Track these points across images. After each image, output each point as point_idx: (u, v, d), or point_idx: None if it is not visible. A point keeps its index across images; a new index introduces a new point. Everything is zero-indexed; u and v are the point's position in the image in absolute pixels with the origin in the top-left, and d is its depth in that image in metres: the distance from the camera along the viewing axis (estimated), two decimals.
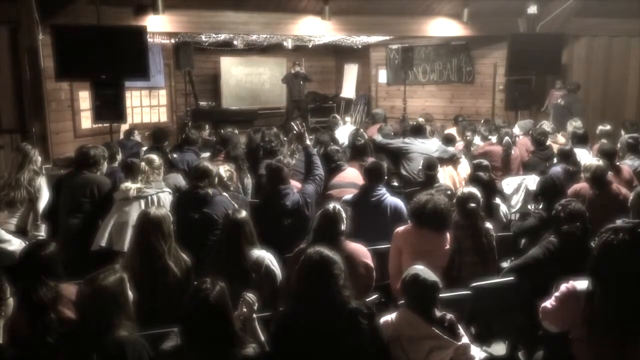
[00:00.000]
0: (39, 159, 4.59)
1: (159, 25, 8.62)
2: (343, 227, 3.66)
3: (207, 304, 2.50)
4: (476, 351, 3.92)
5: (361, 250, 3.75)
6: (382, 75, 13.23)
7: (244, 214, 3.62)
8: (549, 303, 2.89)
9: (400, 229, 4.12)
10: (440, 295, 3.16)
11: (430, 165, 5.47)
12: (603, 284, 2.62)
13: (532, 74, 9.40)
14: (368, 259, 3.73)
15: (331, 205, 3.70)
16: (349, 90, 14.10)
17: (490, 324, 3.95)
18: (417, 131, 6.67)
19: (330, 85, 14.91)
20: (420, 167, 5.62)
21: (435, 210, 3.92)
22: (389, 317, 2.99)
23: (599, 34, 10.29)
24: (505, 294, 3.79)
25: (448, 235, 4.05)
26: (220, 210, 4.35)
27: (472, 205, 4.15)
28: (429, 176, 5.44)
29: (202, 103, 12.44)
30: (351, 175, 5.56)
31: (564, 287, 2.81)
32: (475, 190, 4.31)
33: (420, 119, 6.67)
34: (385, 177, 5.04)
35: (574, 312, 2.73)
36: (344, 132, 8.54)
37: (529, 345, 3.92)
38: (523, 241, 4.73)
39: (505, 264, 4.40)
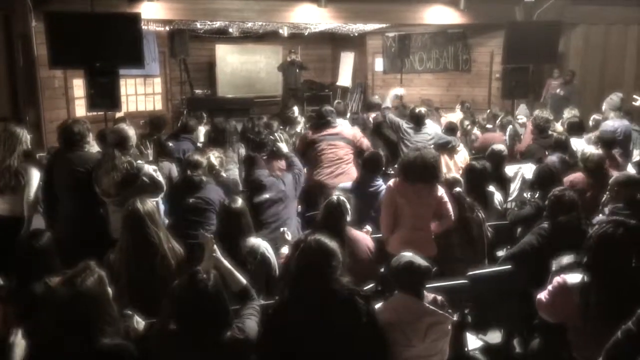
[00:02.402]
0: (28, 137, 4.45)
1: (153, 12, 8.55)
2: (348, 218, 3.77)
3: (205, 293, 2.50)
4: (472, 339, 3.97)
5: (363, 237, 3.90)
6: (379, 64, 13.18)
7: (239, 203, 3.60)
8: (543, 296, 2.91)
9: (393, 181, 4.23)
10: (438, 284, 3.23)
11: None
12: (599, 277, 2.63)
13: (529, 63, 9.35)
14: (370, 245, 3.88)
15: (335, 197, 3.77)
16: (345, 78, 14.05)
17: (486, 312, 3.97)
18: (416, 120, 6.62)
19: (326, 73, 14.84)
20: None
21: (424, 165, 4.04)
22: (382, 304, 3.03)
23: (595, 22, 10.26)
24: (500, 283, 3.80)
25: (439, 186, 4.15)
26: (215, 194, 4.40)
27: (457, 190, 4.33)
28: None
29: (198, 91, 12.38)
30: (341, 131, 5.71)
31: (555, 281, 2.83)
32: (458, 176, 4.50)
33: (422, 109, 6.61)
34: (383, 168, 5.06)
35: (568, 306, 2.76)
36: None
37: (525, 333, 3.95)
38: (519, 230, 4.75)
39: (501, 253, 4.42)
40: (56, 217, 4.46)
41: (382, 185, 4.73)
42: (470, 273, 3.74)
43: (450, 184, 4.37)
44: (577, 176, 5.01)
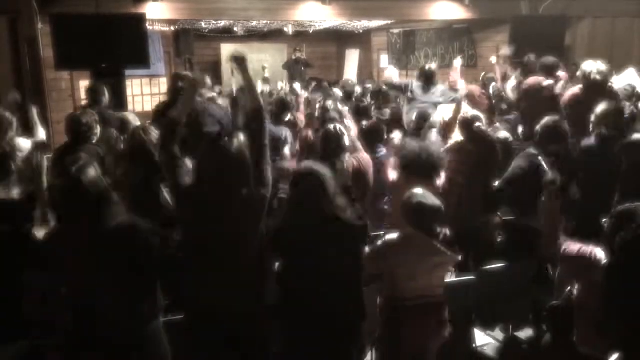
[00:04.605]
0: (15, 122, 4.38)
1: (158, 12, 8.56)
2: (347, 143, 3.91)
3: (229, 156, 2.68)
4: (480, 335, 3.96)
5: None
6: (384, 60, 13.14)
7: None
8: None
9: (394, 179, 4.30)
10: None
11: (423, 116, 5.42)
12: (623, 270, 2.63)
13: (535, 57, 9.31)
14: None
15: (331, 125, 3.94)
16: (350, 75, 14.00)
17: (494, 308, 3.96)
18: (426, 78, 6.57)
19: (331, 71, 14.83)
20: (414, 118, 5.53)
21: (428, 160, 4.05)
22: (394, 237, 3.08)
23: (601, 16, 10.19)
24: (509, 278, 3.80)
25: (438, 180, 4.14)
26: None
27: (478, 125, 4.30)
28: (420, 126, 5.34)
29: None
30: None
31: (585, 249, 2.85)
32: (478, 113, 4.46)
33: (433, 66, 6.56)
34: (384, 137, 5.08)
35: (589, 275, 2.79)
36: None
37: (533, 328, 3.95)
38: None
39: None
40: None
41: (383, 151, 4.80)
42: (479, 270, 3.74)
43: (470, 123, 4.32)
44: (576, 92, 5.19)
